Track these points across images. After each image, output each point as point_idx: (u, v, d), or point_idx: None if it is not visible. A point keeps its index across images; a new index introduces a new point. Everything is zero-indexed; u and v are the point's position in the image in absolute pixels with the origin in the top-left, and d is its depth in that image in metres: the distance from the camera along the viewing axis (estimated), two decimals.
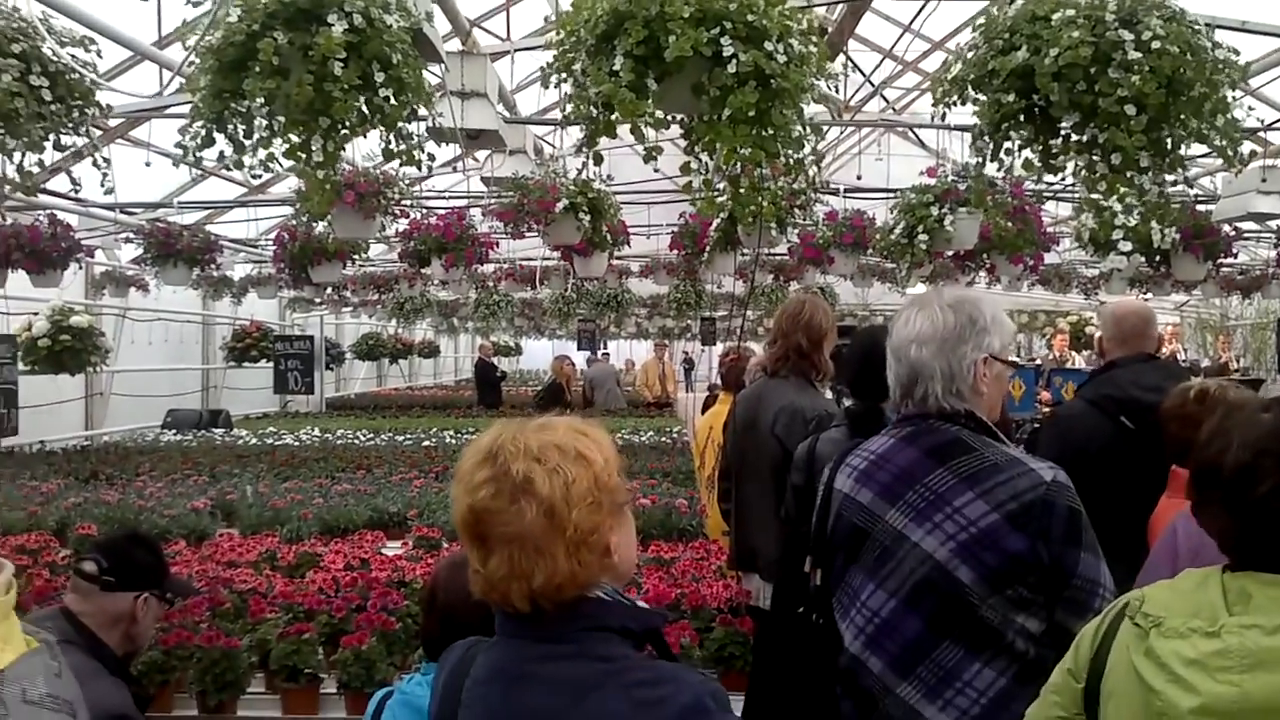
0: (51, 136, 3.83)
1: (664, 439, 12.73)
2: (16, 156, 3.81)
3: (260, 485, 8.54)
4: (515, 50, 7.08)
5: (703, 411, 14.14)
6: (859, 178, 10.05)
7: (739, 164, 3.49)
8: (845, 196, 10.25)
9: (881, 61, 11.62)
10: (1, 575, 0.91)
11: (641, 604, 1.87)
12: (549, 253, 11.13)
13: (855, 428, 3.65)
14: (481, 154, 7.75)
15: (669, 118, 3.71)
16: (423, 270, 10.20)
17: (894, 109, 11.06)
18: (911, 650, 2.51)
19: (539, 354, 36.59)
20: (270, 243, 11.59)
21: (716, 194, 3.97)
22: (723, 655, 4.58)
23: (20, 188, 4.11)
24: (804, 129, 3.52)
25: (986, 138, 3.85)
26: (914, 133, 12.30)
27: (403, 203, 6.92)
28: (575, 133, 3.74)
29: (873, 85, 10.78)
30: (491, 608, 1.79)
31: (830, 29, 4.28)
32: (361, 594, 5.04)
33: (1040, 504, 2.40)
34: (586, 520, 1.69)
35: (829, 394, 4.68)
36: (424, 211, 9.00)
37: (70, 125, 3.83)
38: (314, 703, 4.43)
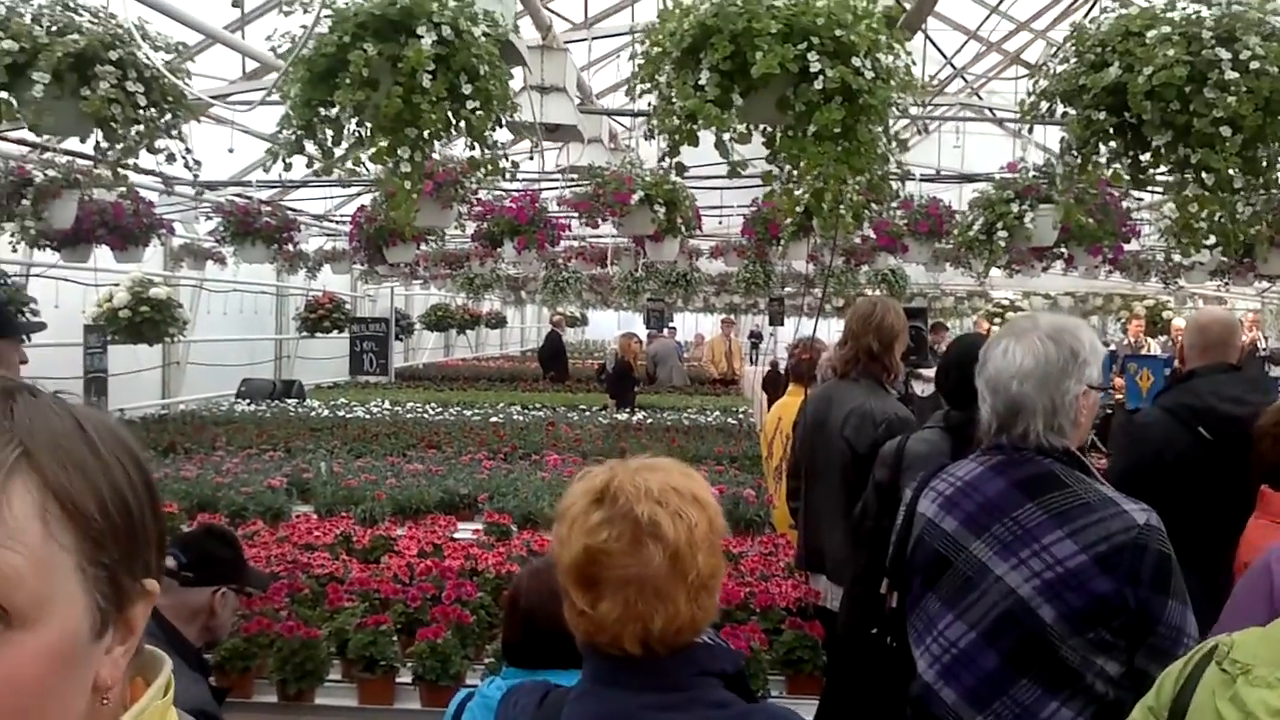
0: (146, 141, 3.91)
1: (730, 420, 12.71)
2: (111, 156, 3.90)
3: (334, 463, 8.69)
4: (593, 39, 7.07)
5: (763, 387, 14.12)
6: (938, 172, 9.88)
7: (823, 178, 3.46)
8: (921, 181, 10.12)
9: (965, 43, 11.37)
10: (160, 677, 0.92)
11: (728, 644, 1.88)
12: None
13: (955, 437, 3.63)
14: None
15: (750, 128, 3.69)
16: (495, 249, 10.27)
17: (976, 93, 10.83)
18: (989, 684, 2.49)
19: (604, 325, 36.71)
20: (345, 217, 11.70)
21: (794, 186, 3.92)
22: (792, 659, 4.59)
23: (115, 185, 4.21)
24: (889, 143, 3.48)
25: (1075, 152, 3.78)
26: (993, 113, 12.05)
27: (479, 193, 6.95)
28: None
29: (954, 67, 10.58)
30: (583, 651, 1.77)
31: (909, 5, 4.20)
32: (436, 583, 5.13)
33: (1131, 547, 2.36)
34: (706, 564, 1.68)
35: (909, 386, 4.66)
36: (498, 193, 9.03)
37: (163, 129, 3.91)
38: (390, 693, 4.52)
